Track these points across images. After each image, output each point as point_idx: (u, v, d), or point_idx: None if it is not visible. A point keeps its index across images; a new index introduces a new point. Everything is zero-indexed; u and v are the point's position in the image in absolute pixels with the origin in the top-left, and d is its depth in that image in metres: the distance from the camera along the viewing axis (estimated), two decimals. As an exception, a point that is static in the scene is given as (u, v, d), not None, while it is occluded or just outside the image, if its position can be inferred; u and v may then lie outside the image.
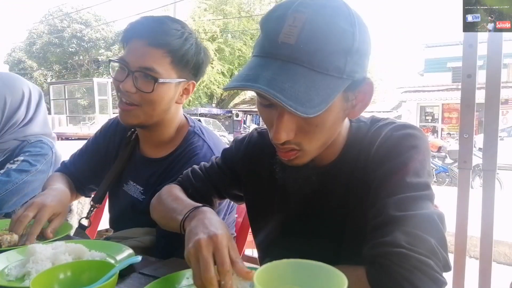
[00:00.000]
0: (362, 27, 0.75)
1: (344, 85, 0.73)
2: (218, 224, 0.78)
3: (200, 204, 0.89)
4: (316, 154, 0.83)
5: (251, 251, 1.77)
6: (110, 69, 1.25)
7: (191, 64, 1.24)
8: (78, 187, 1.49)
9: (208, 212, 0.84)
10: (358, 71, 0.75)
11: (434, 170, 8.99)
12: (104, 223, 1.89)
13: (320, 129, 0.78)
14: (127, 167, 1.40)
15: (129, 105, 1.21)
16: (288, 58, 0.70)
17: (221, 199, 1.16)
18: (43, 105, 1.74)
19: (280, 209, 0.97)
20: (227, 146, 1.18)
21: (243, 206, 1.16)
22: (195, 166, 1.14)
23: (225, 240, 0.73)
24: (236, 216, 1.46)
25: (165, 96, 1.22)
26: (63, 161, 1.56)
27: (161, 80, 1.18)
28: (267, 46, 0.73)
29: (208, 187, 1.09)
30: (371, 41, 0.78)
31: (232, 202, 1.29)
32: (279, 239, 0.98)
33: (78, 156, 1.51)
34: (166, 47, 1.18)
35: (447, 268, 0.71)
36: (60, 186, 1.35)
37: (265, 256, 1.06)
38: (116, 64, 1.23)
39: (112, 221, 1.47)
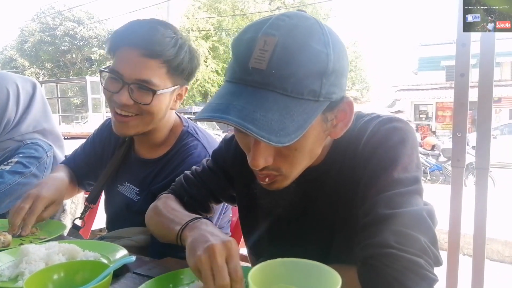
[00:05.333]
0: (337, 46, 0.71)
1: (322, 108, 0.70)
2: (223, 234, 0.78)
3: (199, 216, 0.89)
4: (296, 176, 0.81)
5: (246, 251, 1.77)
6: (101, 79, 1.20)
7: (186, 71, 1.22)
8: (79, 181, 1.52)
9: (209, 223, 0.84)
10: (336, 91, 0.71)
11: (428, 168, 9.05)
12: (97, 223, 1.88)
13: (299, 153, 0.75)
14: (122, 168, 1.40)
15: (125, 116, 1.18)
16: (260, 85, 0.67)
17: (218, 203, 1.14)
18: (38, 97, 1.67)
19: (269, 212, 0.95)
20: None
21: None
22: (187, 172, 1.12)
23: (237, 248, 0.73)
24: (231, 215, 1.46)
25: (162, 106, 1.20)
26: (66, 155, 1.58)
27: (159, 92, 1.16)
28: (238, 72, 0.70)
29: (203, 193, 1.07)
30: (347, 59, 0.75)
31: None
32: (269, 242, 0.97)
33: (77, 153, 1.53)
34: (161, 57, 1.14)
35: (438, 264, 0.71)
36: (60, 174, 1.38)
37: (256, 259, 1.04)
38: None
39: (107, 222, 1.46)
